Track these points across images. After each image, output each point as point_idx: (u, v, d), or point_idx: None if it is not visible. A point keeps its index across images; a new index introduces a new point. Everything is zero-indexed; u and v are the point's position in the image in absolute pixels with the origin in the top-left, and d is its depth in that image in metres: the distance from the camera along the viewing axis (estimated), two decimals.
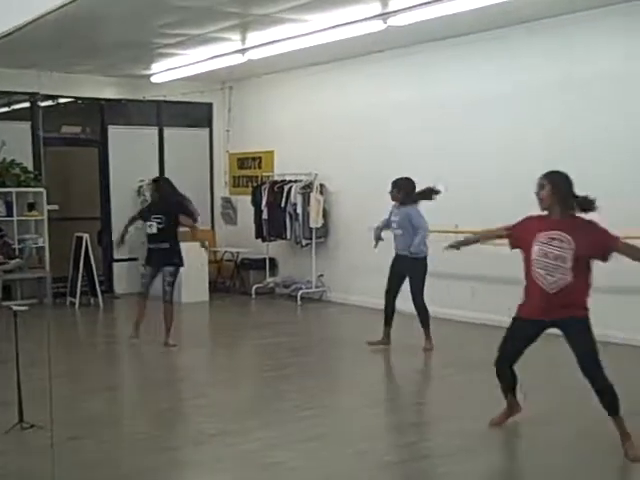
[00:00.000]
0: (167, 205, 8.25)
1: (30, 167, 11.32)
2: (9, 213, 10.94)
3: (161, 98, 12.20)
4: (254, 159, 12.63)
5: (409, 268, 7.79)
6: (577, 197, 4.93)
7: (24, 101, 11.58)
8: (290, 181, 11.31)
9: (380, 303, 8.23)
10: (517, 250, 5.10)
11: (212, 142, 13.19)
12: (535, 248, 4.90)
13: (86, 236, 10.84)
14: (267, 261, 11.81)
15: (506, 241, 5.24)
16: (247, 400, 6.32)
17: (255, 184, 12.21)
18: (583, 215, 4.93)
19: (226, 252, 12.46)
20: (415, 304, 7.84)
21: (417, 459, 4.91)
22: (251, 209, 11.83)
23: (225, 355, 8.33)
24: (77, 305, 10.87)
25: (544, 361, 7.43)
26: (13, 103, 11.79)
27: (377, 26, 8.15)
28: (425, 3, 7.43)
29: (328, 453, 4.99)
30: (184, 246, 11.21)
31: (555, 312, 4.91)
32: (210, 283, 11.73)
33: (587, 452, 4.97)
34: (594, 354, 4.83)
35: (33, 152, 11.51)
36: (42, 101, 11.35)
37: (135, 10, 7.89)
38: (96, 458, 4.87)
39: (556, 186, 4.90)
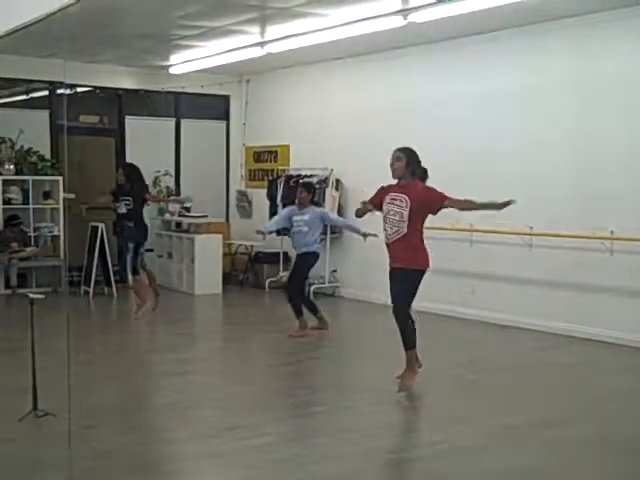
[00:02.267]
0: (134, 188, 9.28)
1: (47, 155, 11.39)
2: (25, 201, 11.02)
3: (179, 90, 12.23)
4: (270, 152, 12.63)
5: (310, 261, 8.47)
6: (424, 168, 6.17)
7: (42, 89, 11.62)
8: (306, 176, 11.29)
9: None
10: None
11: (229, 135, 13.20)
12: (383, 208, 6.17)
13: (102, 225, 10.88)
14: (281, 255, 11.81)
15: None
16: (258, 394, 6.32)
17: (271, 178, 12.22)
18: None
19: (240, 245, 12.47)
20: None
21: (428, 457, 4.90)
22: (266, 203, 11.82)
23: (237, 348, 8.33)
24: (91, 294, 10.90)
25: (560, 364, 7.42)
26: (31, 91, 11.83)
27: (397, 22, 8.12)
28: None
29: (339, 449, 4.98)
30: (198, 238, 11.40)
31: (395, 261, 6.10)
32: (224, 276, 11.75)
33: (601, 454, 4.96)
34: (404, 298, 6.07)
35: (51, 140, 11.57)
36: (65, 89, 11.38)
37: (155, 1, 7.92)
38: (110, 448, 4.88)
39: (410, 159, 6.08)
